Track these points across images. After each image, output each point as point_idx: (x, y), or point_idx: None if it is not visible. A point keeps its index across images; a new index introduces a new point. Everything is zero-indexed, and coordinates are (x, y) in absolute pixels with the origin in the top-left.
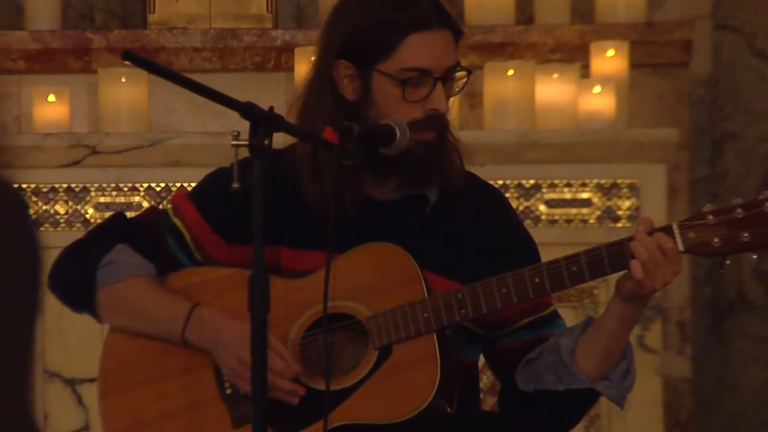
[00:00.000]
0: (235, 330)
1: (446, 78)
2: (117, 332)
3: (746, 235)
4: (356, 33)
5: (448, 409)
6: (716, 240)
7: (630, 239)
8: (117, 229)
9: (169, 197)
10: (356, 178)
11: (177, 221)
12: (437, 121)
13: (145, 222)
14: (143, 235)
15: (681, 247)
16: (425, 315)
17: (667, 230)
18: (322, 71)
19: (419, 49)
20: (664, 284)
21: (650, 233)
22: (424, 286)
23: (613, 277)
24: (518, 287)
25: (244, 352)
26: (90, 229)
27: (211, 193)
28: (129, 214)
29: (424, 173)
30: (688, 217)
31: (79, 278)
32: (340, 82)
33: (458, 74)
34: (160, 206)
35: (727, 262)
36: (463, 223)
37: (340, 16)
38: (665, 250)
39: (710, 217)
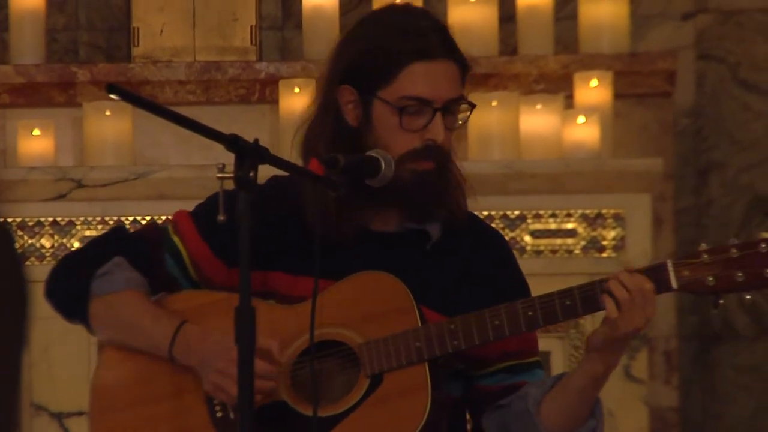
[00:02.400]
0: (213, 342)
1: (446, 110)
2: (109, 352)
3: (740, 275)
4: (360, 58)
5: None
6: (710, 279)
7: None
8: (116, 241)
9: (172, 215)
10: (357, 209)
11: (176, 239)
12: (435, 152)
13: (145, 237)
14: (142, 250)
15: (675, 285)
16: (417, 344)
17: (660, 268)
18: (326, 95)
19: (420, 78)
20: (634, 329)
21: (645, 270)
22: (417, 315)
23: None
24: (511, 319)
25: (220, 362)
26: (89, 241)
27: (214, 215)
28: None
29: (424, 204)
30: (682, 255)
31: (74, 287)
32: (344, 107)
33: (462, 107)
34: (163, 220)
35: (721, 301)
36: (462, 263)
37: (348, 41)
38: (643, 291)
39: (705, 256)
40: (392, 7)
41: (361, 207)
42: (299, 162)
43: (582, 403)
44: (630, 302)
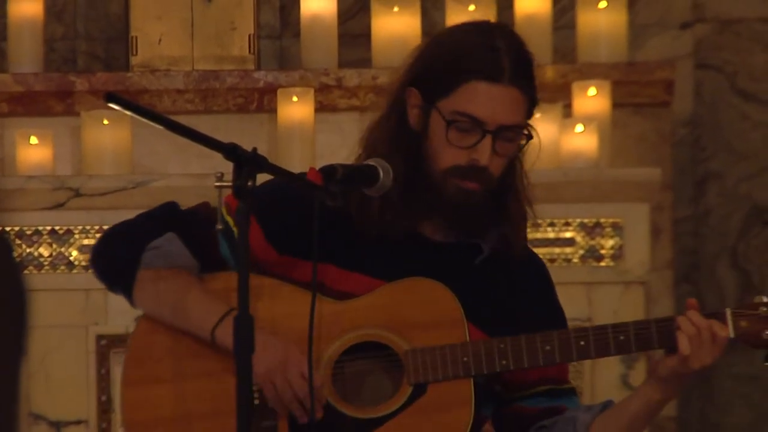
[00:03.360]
0: (263, 344)
1: (499, 135)
2: (148, 321)
3: None
4: (429, 66)
5: None
6: (767, 333)
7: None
8: (169, 216)
9: (226, 196)
10: (405, 211)
11: (230, 220)
12: (478, 173)
13: (199, 216)
14: (195, 228)
15: (732, 334)
16: (465, 359)
17: (720, 316)
18: (396, 95)
19: (477, 98)
20: (702, 366)
21: (705, 316)
22: (466, 330)
23: None
24: (563, 347)
25: (292, 367)
26: (140, 213)
27: (269, 199)
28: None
29: (467, 220)
30: (741, 305)
31: (123, 256)
32: (410, 110)
33: (517, 135)
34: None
35: None
36: (507, 283)
37: (426, 46)
38: (716, 337)
39: (763, 309)
40: (480, 22)
41: (410, 209)
42: (356, 156)
43: (633, 429)
44: (699, 340)
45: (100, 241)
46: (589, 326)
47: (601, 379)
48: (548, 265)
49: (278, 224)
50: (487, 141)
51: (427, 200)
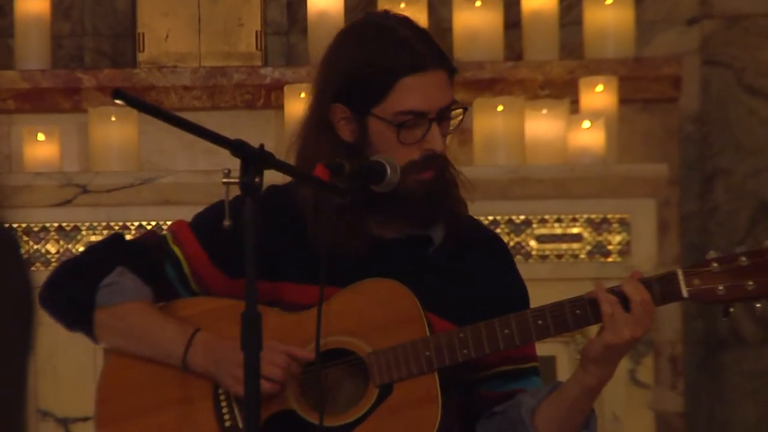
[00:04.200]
0: (229, 344)
1: (441, 118)
2: (115, 358)
3: (751, 283)
4: (350, 77)
5: None
6: (721, 288)
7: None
8: (117, 250)
9: (169, 225)
10: (361, 218)
11: (176, 249)
12: (435, 161)
13: (145, 246)
14: (142, 259)
15: (685, 294)
16: (427, 353)
17: (671, 277)
18: (318, 113)
19: (413, 92)
20: (632, 337)
21: (657, 278)
22: (426, 325)
23: None
24: (521, 329)
25: (240, 356)
26: (86, 248)
27: (214, 225)
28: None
29: (429, 213)
30: (692, 264)
31: (77, 297)
32: (337, 124)
33: (454, 112)
34: (162, 231)
35: (731, 309)
36: (464, 267)
37: (335, 59)
38: (643, 302)
39: (714, 265)
40: (372, 20)
41: (368, 216)
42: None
43: (576, 413)
44: (620, 309)
45: (51, 282)
46: (546, 304)
47: None
48: (556, 261)
49: (224, 248)
50: (435, 128)
51: (387, 202)
